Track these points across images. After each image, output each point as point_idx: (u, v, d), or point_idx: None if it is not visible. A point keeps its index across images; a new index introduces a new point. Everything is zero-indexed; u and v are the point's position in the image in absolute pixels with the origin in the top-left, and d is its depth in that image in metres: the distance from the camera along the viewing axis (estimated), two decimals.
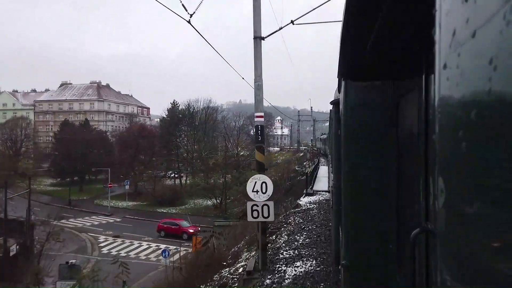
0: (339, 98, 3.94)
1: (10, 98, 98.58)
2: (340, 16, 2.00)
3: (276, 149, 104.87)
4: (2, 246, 24.01)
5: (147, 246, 31.62)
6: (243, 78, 11.91)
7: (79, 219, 41.28)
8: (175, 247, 30.38)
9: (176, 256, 22.34)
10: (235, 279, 10.12)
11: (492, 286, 0.47)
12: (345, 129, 2.97)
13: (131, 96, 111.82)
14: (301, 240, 10.65)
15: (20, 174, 54.57)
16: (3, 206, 28.31)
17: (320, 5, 8.36)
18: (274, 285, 7.44)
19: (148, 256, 29.17)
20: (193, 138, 56.75)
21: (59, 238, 25.05)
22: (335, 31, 2.74)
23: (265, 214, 8.50)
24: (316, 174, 29.67)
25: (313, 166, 35.39)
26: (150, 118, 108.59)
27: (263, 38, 9.17)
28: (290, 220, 13.63)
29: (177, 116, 58.22)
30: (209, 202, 45.90)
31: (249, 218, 8.79)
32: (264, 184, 8.77)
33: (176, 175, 57.15)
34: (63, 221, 40.51)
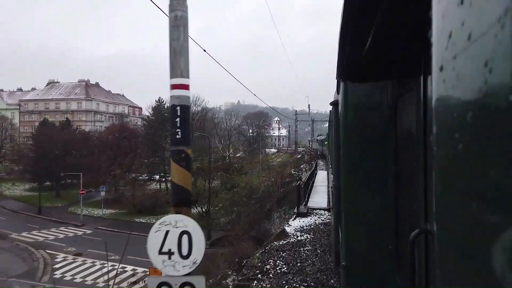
0: (338, 99, 3.95)
1: None
2: (339, 18, 2.04)
3: (273, 150, 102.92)
4: None
5: (111, 267, 26.44)
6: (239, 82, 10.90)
7: (43, 231, 36.17)
8: (143, 270, 25.40)
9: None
10: None
11: (491, 287, 0.47)
12: (344, 130, 3.05)
13: (123, 95, 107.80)
14: None
15: None
16: None
17: None
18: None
19: (109, 284, 24.02)
20: None
21: None
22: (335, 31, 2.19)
23: None
24: (313, 182, 24.47)
25: (310, 171, 30.22)
26: (142, 118, 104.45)
27: None
28: (268, 267, 8.65)
29: (162, 115, 53.08)
30: (194, 211, 40.83)
31: None
32: (186, 238, 3.72)
33: (162, 179, 52.21)
34: (24, 233, 35.64)
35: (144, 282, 18.53)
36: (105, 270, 25.74)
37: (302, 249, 9.68)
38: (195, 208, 40.22)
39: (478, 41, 0.50)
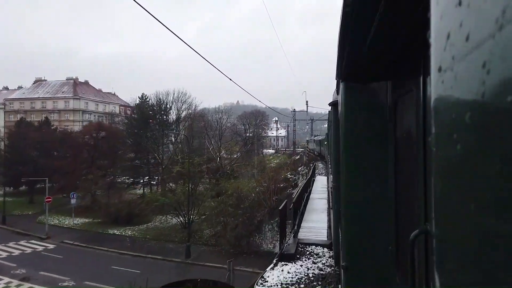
0: (337, 100, 4.01)
1: None
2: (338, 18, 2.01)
3: (271, 151, 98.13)
4: None
5: None
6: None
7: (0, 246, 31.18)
8: None
9: None
10: None
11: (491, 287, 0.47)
12: (344, 130, 3.05)
13: (114, 94, 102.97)
14: None
15: None
16: None
17: None
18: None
19: None
20: (161, 140, 46.59)
21: None
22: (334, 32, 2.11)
23: None
24: (309, 194, 19.23)
25: (305, 179, 25.11)
26: (125, 117, 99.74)
27: None
28: None
29: (146, 113, 48.10)
30: (176, 221, 35.86)
31: None
32: None
33: (144, 184, 47.28)
34: None
35: None
36: None
37: None
38: (177, 218, 35.30)
39: (476, 42, 0.50)
